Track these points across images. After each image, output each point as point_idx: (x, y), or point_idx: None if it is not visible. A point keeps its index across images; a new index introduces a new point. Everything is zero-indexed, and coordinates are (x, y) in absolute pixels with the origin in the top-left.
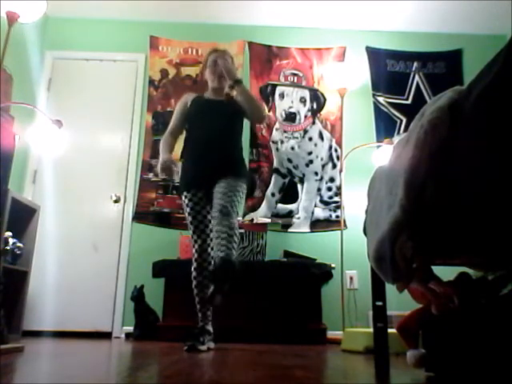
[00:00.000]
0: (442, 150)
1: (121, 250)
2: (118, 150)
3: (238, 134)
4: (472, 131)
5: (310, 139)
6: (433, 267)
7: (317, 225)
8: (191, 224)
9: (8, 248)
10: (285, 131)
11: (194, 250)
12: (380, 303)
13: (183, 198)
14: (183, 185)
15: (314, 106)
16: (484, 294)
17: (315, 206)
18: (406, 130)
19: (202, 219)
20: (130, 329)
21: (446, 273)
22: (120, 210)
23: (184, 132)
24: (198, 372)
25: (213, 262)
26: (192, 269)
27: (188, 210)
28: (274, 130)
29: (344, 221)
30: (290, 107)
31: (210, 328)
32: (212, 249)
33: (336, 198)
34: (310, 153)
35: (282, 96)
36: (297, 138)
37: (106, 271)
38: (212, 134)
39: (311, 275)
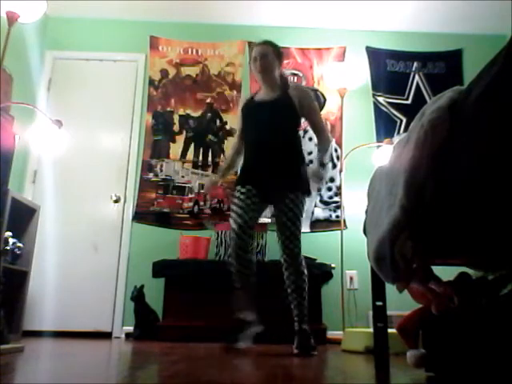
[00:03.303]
0: (441, 150)
1: (121, 250)
2: (117, 150)
3: (295, 131)
4: (472, 131)
5: (310, 139)
6: (433, 267)
7: (317, 225)
8: (235, 212)
9: (8, 248)
10: None
11: (232, 231)
12: (380, 303)
13: (236, 191)
14: (240, 180)
15: None
16: (484, 294)
17: (315, 205)
18: (405, 130)
19: (248, 212)
20: (130, 329)
21: (446, 273)
22: (120, 210)
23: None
24: (198, 372)
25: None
26: (230, 251)
27: (237, 200)
28: None
29: (344, 221)
30: None
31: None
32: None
33: (336, 198)
34: (310, 153)
35: None
36: None
37: (106, 271)
38: (266, 135)
39: (311, 275)
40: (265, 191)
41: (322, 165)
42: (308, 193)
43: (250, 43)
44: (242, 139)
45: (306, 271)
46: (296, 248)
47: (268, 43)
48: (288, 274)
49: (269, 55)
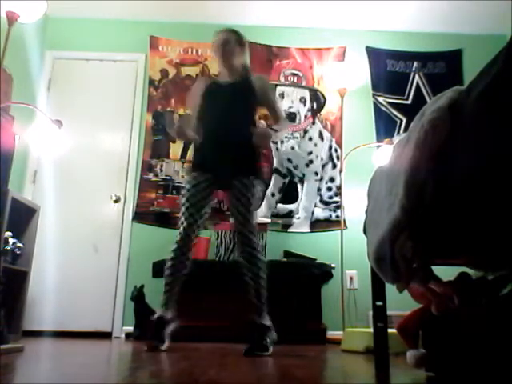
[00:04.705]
0: (442, 150)
1: (121, 250)
2: (118, 150)
3: (251, 115)
4: (472, 131)
5: (310, 139)
6: (433, 267)
7: (317, 225)
8: (185, 202)
9: (8, 248)
10: None
11: (178, 232)
12: (380, 303)
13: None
14: (193, 165)
15: (314, 106)
16: (484, 294)
17: (315, 205)
18: (406, 130)
19: (197, 202)
20: (130, 329)
21: (446, 273)
22: (120, 210)
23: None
24: (198, 372)
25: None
26: (171, 250)
27: (188, 186)
28: None
29: (344, 221)
30: (290, 107)
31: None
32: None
33: (336, 198)
34: (310, 153)
35: (281, 96)
36: (297, 138)
37: (106, 271)
38: (224, 119)
39: (311, 275)
40: (216, 175)
41: (273, 130)
42: (259, 175)
43: (250, 43)
44: (196, 117)
45: (262, 257)
46: (250, 234)
47: (230, 31)
48: (242, 257)
49: (231, 42)
